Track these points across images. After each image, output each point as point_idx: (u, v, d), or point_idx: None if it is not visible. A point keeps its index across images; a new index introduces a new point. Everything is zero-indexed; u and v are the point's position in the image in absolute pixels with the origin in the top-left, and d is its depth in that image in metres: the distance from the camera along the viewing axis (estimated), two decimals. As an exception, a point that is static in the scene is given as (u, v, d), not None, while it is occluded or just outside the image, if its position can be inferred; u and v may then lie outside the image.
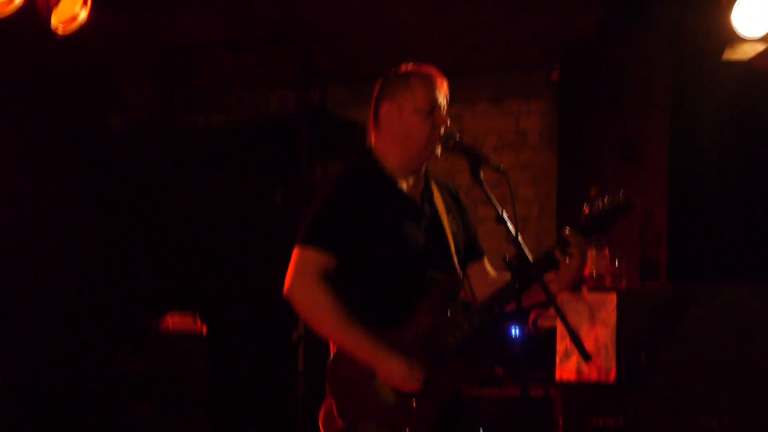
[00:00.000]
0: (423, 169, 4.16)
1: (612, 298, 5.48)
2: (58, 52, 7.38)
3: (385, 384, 3.86)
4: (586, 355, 3.65)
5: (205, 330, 7.32)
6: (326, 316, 3.89)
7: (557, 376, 5.57)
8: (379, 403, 3.87)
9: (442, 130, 4.03)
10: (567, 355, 5.54)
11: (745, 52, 5.91)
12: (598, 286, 5.61)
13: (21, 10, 6.42)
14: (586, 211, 4.02)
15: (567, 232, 3.91)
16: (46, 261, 8.29)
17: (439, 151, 4.06)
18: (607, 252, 5.67)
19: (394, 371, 3.83)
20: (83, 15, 6.75)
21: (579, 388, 5.53)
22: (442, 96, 4.07)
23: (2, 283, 7.75)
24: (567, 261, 3.88)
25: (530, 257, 3.75)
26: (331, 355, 3.98)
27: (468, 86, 9.54)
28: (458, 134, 4.06)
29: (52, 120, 8.44)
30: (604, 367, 5.44)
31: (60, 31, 6.69)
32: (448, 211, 4.18)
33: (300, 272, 3.91)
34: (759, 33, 5.90)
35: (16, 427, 7.65)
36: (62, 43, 6.79)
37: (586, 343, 5.31)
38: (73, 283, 8.50)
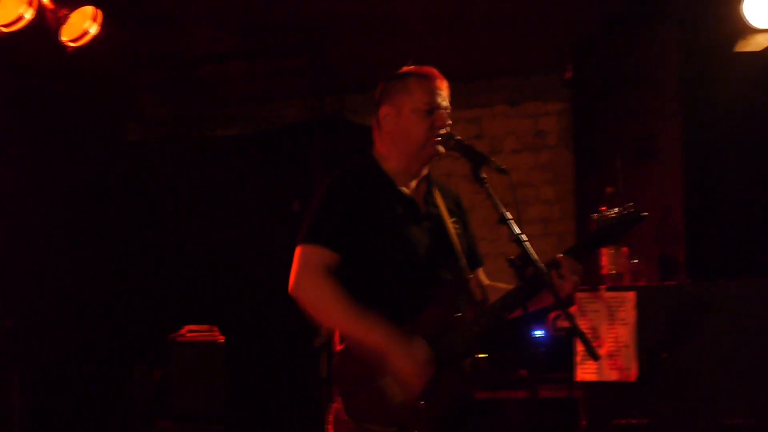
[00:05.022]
0: (425, 172, 4.12)
1: (631, 297, 5.42)
2: (70, 67, 7.37)
3: (393, 381, 3.80)
4: (594, 354, 3.64)
5: (223, 340, 7.30)
6: (334, 306, 3.83)
7: (578, 376, 5.52)
8: (386, 402, 3.81)
9: (443, 130, 3.99)
10: (587, 356, 5.49)
11: (758, 44, 5.86)
12: (616, 284, 5.56)
13: (31, 26, 6.44)
14: (595, 223, 4.01)
15: (560, 256, 3.88)
16: (64, 275, 8.31)
17: (442, 150, 4.02)
18: (625, 250, 5.62)
19: (412, 356, 3.76)
20: (93, 30, 6.75)
21: (601, 389, 5.47)
22: (442, 97, 4.03)
23: (21, 298, 7.77)
24: (557, 284, 3.83)
25: (535, 256, 3.71)
26: (336, 354, 3.92)
27: (485, 90, 9.51)
28: (458, 135, 4.00)
29: (68, 134, 8.47)
30: (624, 366, 5.39)
31: (70, 47, 6.69)
32: (451, 215, 4.14)
33: (304, 268, 3.87)
34: (771, 24, 5.85)
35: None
36: (73, 58, 6.79)
37: (606, 342, 5.29)
38: (91, 297, 8.52)
